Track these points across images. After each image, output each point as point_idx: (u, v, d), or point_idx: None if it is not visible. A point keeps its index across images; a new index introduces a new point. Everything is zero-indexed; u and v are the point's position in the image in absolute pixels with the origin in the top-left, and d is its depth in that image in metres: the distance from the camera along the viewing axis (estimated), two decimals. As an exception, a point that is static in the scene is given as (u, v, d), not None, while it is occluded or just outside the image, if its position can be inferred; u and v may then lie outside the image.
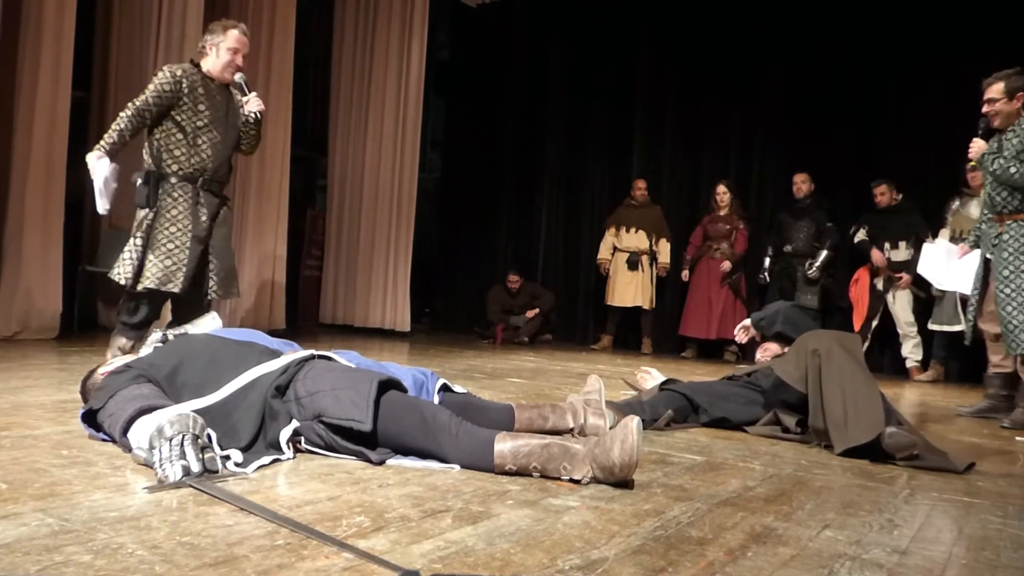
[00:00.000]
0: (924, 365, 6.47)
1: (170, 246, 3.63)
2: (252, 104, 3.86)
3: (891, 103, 7.09)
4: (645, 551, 1.41)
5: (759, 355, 3.28)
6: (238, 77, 3.80)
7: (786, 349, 3.07)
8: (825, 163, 7.19)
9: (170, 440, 1.63)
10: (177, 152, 3.67)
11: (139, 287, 3.59)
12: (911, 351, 6.53)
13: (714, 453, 2.49)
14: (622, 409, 2.70)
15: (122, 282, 3.60)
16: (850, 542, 1.58)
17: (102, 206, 3.58)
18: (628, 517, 1.62)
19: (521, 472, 1.88)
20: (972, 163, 4.01)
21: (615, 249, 7.81)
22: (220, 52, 3.76)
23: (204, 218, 3.73)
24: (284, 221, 6.49)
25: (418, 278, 8.19)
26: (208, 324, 2.43)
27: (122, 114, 3.58)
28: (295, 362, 2.05)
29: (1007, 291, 3.79)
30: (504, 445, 1.89)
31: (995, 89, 3.86)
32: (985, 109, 3.89)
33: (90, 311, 5.82)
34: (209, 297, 3.80)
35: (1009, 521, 1.87)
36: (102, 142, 3.56)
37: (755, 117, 7.82)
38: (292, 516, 1.45)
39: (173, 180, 3.67)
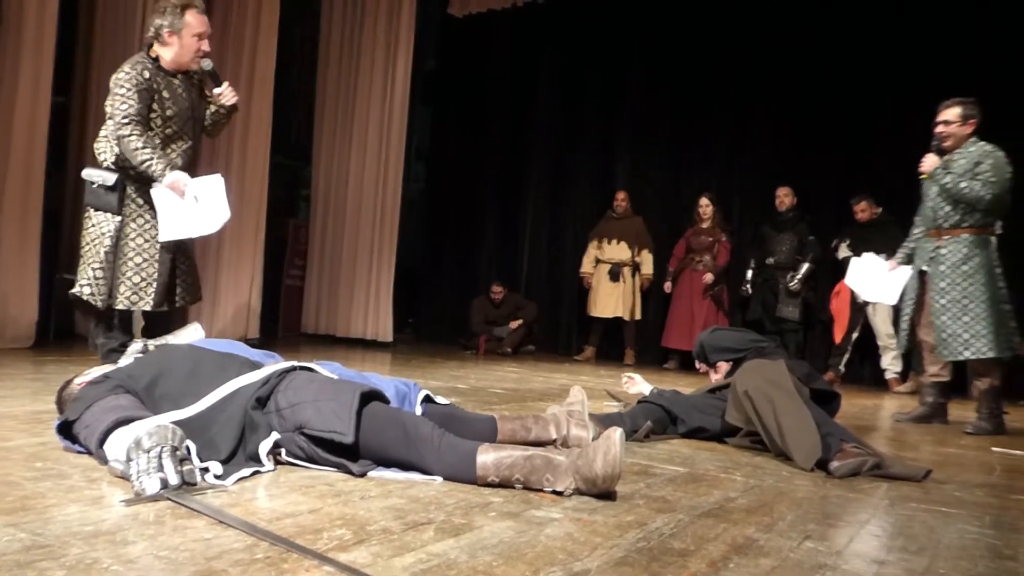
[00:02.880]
0: (903, 377, 6.52)
1: (138, 259, 3.40)
2: (227, 98, 3.57)
3: (873, 119, 7.17)
4: (628, 563, 1.40)
5: (713, 379, 3.36)
6: (205, 64, 3.45)
7: (730, 364, 3.26)
8: (808, 177, 7.27)
9: (148, 452, 1.61)
10: None
11: (113, 306, 3.39)
12: (890, 363, 6.58)
13: (696, 464, 2.50)
14: (603, 421, 2.71)
15: (98, 304, 3.40)
16: (831, 553, 1.58)
17: (220, 220, 3.36)
18: (611, 529, 1.62)
19: (504, 484, 1.88)
20: (924, 176, 4.19)
21: (597, 261, 7.84)
22: (183, 39, 3.40)
23: None
24: (263, 230, 6.44)
25: (401, 288, 8.17)
26: (190, 335, 2.41)
27: (131, 135, 3.29)
28: (276, 373, 2.03)
29: (943, 302, 4.03)
30: (487, 457, 1.88)
31: (952, 112, 4.12)
32: (939, 130, 4.14)
33: (67, 320, 5.76)
34: (177, 305, 3.58)
35: (986, 531, 1.88)
36: (157, 162, 3.29)
37: (739, 131, 7.88)
38: (272, 529, 1.43)
39: (138, 184, 3.43)
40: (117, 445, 1.70)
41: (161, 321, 3.53)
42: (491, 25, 8.86)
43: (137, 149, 3.31)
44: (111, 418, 1.77)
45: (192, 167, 3.63)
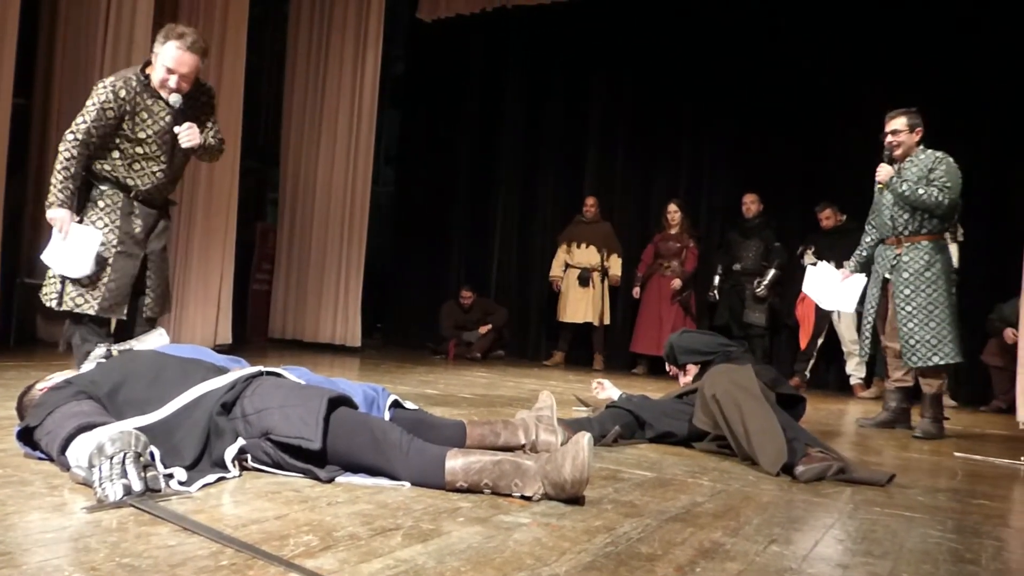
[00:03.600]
0: (867, 382, 6.62)
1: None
2: (183, 139, 3.33)
3: (836, 127, 7.29)
4: (595, 568, 1.41)
5: (682, 382, 3.40)
6: (173, 100, 3.27)
7: (699, 366, 3.31)
8: (774, 184, 7.36)
9: (111, 458, 1.58)
10: (109, 168, 3.30)
11: (61, 308, 3.26)
12: (855, 368, 6.68)
13: (664, 469, 2.51)
14: (571, 426, 2.72)
15: (50, 304, 3.27)
16: (796, 557, 1.60)
17: (79, 271, 3.21)
18: (579, 534, 1.63)
19: (472, 489, 1.88)
20: (881, 186, 4.24)
21: (567, 266, 7.86)
22: (156, 66, 3.25)
23: (138, 231, 3.34)
24: (232, 234, 6.37)
25: (370, 293, 8.12)
26: (155, 340, 2.38)
27: (64, 153, 3.18)
28: (242, 378, 2.01)
29: (908, 308, 4.07)
30: (455, 462, 1.88)
31: (899, 122, 4.19)
32: (889, 140, 4.20)
33: (28, 325, 5.65)
34: (145, 315, 3.43)
35: (948, 535, 1.92)
36: (59, 193, 3.17)
37: (706, 138, 7.97)
38: (238, 536, 1.41)
39: (103, 187, 3.30)
40: (79, 451, 1.67)
41: (126, 328, 3.40)
42: (460, 30, 8.86)
43: (59, 167, 3.21)
44: (73, 424, 1.73)
45: (165, 191, 3.51)
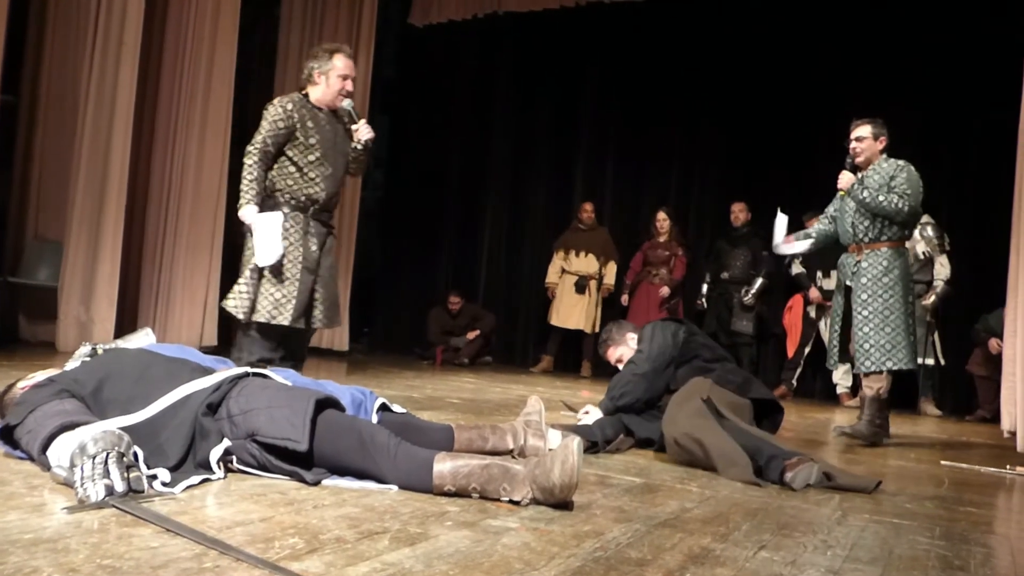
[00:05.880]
0: (854, 391, 6.64)
1: (280, 278, 3.62)
2: (363, 133, 3.86)
3: (823, 139, 7.32)
4: (584, 573, 1.39)
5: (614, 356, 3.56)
6: (345, 104, 3.77)
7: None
8: (762, 193, 7.39)
9: (93, 458, 1.55)
10: (290, 183, 3.66)
11: (252, 319, 3.58)
12: (841, 377, 6.70)
13: (652, 475, 2.51)
14: (581, 433, 2.74)
15: (239, 316, 3.61)
16: (785, 563, 1.59)
17: (272, 255, 3.53)
18: (567, 538, 1.61)
19: (460, 493, 1.86)
20: (842, 193, 4.28)
21: (563, 271, 7.86)
22: (330, 80, 3.73)
23: (314, 248, 3.71)
24: (220, 235, 6.32)
25: (358, 297, 8.09)
26: (140, 339, 2.35)
27: (247, 162, 3.59)
28: (228, 379, 1.98)
29: (864, 313, 4.10)
30: (443, 465, 1.86)
31: (864, 130, 4.23)
32: (853, 146, 4.24)
33: (11, 324, 5.58)
34: (315, 327, 3.79)
35: (936, 542, 1.92)
36: (245, 194, 3.57)
37: (695, 146, 8.00)
38: (222, 538, 1.39)
39: (285, 210, 3.64)
40: (61, 451, 1.64)
41: (299, 342, 3.80)
42: (451, 36, 8.86)
43: (245, 174, 3.60)
44: (55, 423, 1.71)
45: (333, 201, 3.89)
